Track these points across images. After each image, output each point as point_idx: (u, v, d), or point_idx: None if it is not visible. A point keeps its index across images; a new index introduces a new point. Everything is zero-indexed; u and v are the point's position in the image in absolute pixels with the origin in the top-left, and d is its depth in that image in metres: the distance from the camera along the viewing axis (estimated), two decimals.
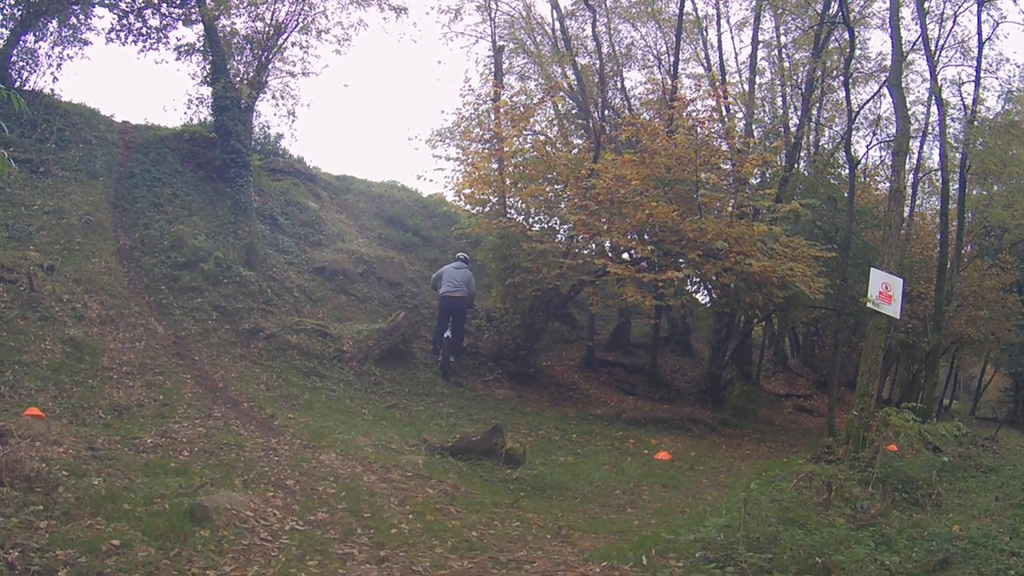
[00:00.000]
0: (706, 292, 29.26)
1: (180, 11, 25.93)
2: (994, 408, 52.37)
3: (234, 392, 17.50)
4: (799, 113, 33.41)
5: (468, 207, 26.51)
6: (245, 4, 25.94)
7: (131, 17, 25.68)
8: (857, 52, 31.01)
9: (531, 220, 25.78)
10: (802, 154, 35.82)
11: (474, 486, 13.86)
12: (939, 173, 31.38)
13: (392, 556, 9.54)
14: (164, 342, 18.75)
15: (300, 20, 26.85)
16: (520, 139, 25.72)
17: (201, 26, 25.56)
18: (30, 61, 25.19)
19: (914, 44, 29.49)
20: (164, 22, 26.08)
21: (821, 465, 16.89)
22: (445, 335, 22.94)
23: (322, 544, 9.57)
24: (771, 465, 18.58)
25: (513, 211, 25.70)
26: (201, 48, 26.09)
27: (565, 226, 24.90)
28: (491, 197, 25.34)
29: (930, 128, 35.69)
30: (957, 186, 30.94)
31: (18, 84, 24.63)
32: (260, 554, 9.00)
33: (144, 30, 25.91)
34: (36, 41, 25.31)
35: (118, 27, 25.68)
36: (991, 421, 41.62)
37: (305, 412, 17.24)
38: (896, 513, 13.38)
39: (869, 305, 18.13)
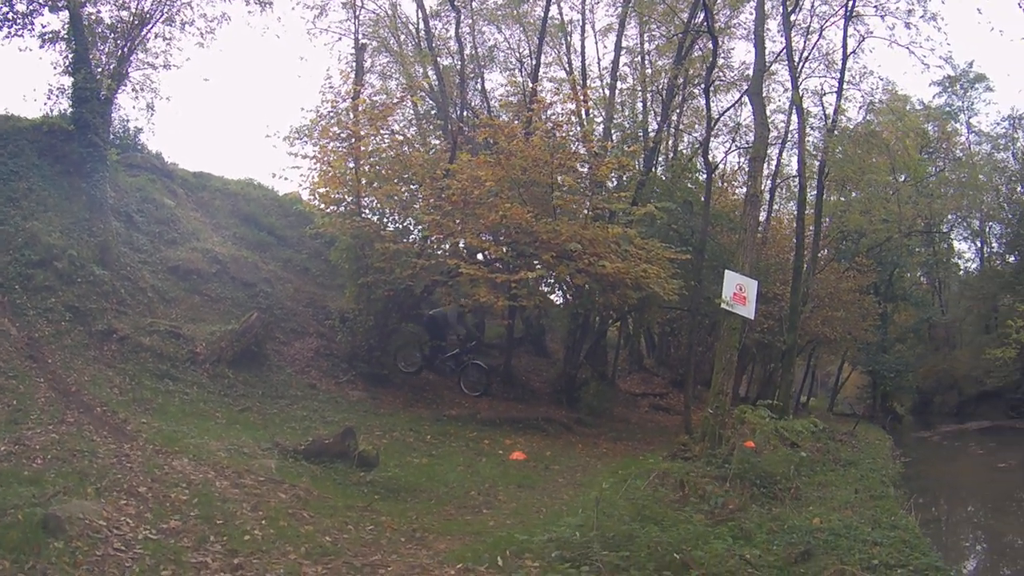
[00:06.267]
0: (561, 293, 29.45)
1: None
2: (851, 404, 54.71)
3: (87, 396, 16.76)
4: (659, 118, 33.87)
5: (323, 206, 26.01)
6: None
7: None
8: (720, 61, 31.74)
9: (386, 220, 25.57)
10: (660, 159, 36.39)
11: (327, 490, 13.57)
12: (797, 179, 32.16)
13: (246, 564, 9.26)
14: (17, 344, 17.83)
15: (165, 11, 26.06)
16: (377, 138, 25.44)
17: (67, 13, 24.59)
18: None
19: (778, 55, 30.28)
20: (31, 7, 24.91)
21: (678, 463, 17.19)
22: None
23: (175, 553, 9.21)
24: (627, 463, 18.74)
25: (368, 211, 25.39)
26: (65, 36, 24.92)
27: (419, 226, 24.77)
28: (346, 196, 24.94)
29: (790, 136, 36.76)
30: (815, 192, 31.78)
31: None
32: (114, 565, 8.65)
33: (11, 15, 24.80)
34: None
35: None
36: (849, 416, 43.79)
37: (158, 416, 16.64)
38: (755, 508, 13.65)
39: (723, 306, 18.45)
